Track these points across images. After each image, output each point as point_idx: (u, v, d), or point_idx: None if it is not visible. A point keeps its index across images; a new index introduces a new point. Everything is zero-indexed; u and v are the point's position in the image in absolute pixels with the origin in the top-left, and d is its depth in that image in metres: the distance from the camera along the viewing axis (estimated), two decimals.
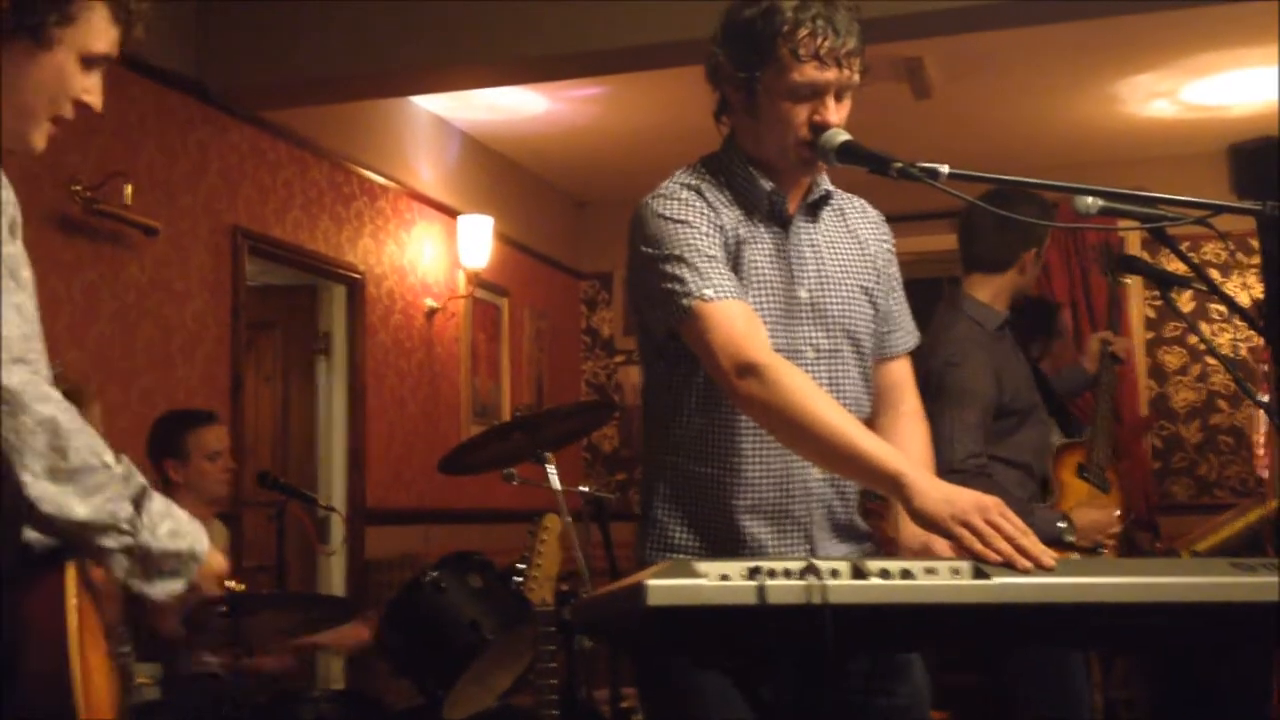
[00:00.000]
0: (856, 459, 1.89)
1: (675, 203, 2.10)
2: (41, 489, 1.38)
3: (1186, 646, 2.42)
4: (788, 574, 1.52)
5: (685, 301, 2.01)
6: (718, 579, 1.51)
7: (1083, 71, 5.52)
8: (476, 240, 6.14)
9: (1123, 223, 6.14)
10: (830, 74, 2.05)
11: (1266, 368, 5.60)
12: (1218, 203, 1.87)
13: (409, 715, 3.91)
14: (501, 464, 3.75)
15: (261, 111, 4.91)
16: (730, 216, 2.12)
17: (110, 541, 1.44)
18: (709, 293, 2.00)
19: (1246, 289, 6.30)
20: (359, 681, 4.92)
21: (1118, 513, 3.61)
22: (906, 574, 1.55)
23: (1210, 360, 6.50)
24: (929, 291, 8.59)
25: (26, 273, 1.51)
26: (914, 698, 2.16)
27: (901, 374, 2.29)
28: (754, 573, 1.52)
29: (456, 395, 6.20)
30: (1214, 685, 4.30)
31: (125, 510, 1.44)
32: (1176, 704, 4.71)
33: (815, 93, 2.06)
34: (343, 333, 5.49)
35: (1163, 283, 3.39)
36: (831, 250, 2.19)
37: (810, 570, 1.52)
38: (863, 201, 2.32)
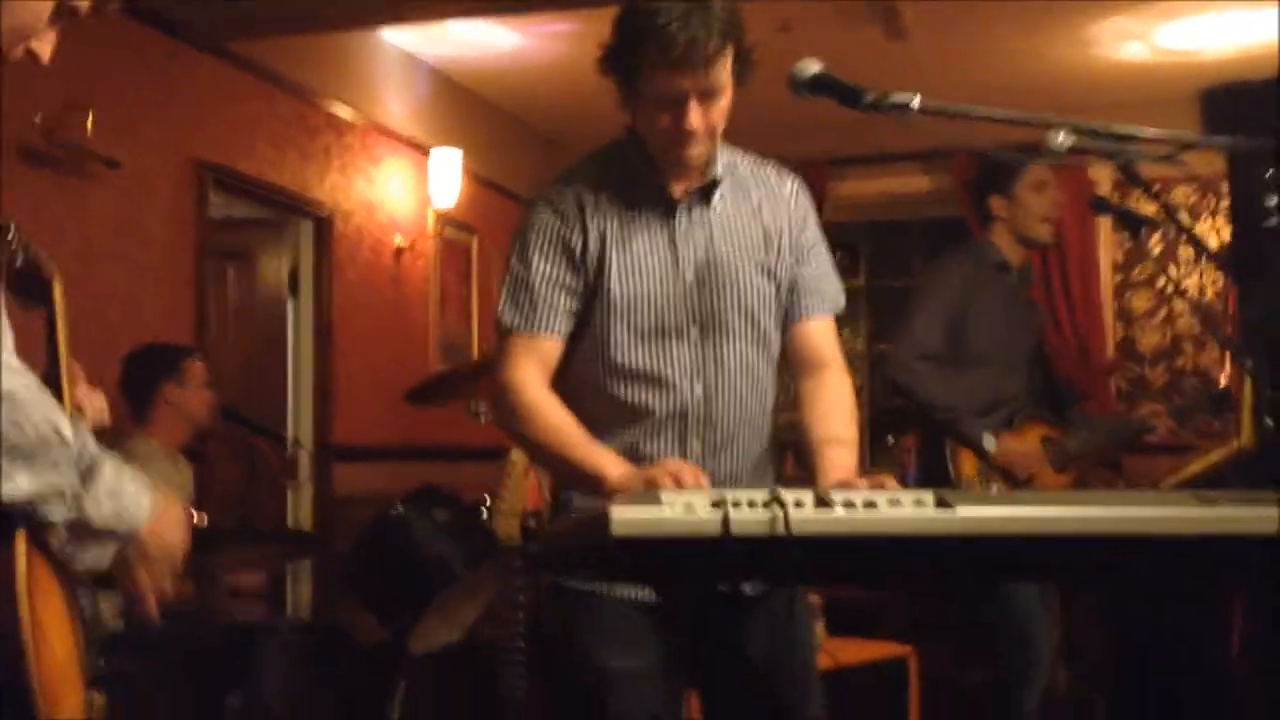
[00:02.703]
0: (572, 466, 2.11)
1: (541, 216, 2.23)
2: None
3: (1150, 581, 2.44)
4: (752, 504, 1.52)
5: (500, 318, 2.23)
6: (682, 509, 1.50)
7: (1055, 14, 5.49)
8: (446, 175, 6.08)
9: (1093, 163, 6.15)
10: (686, 81, 2.08)
11: (1231, 310, 5.64)
12: (1191, 136, 1.86)
13: (375, 648, 3.92)
14: (469, 396, 3.74)
15: (227, 43, 4.83)
16: (605, 207, 2.21)
17: (55, 514, 1.42)
18: (514, 321, 2.21)
19: (1215, 233, 6.32)
20: (326, 614, 4.93)
21: (1044, 464, 3.66)
22: (870, 505, 1.55)
23: (1177, 303, 6.53)
24: (900, 234, 8.62)
25: None
26: (808, 657, 2.33)
27: (820, 336, 2.33)
28: (718, 503, 1.51)
29: (425, 334, 6.17)
30: (1175, 621, 4.36)
31: (73, 485, 1.42)
32: (1137, 640, 4.78)
33: (675, 99, 2.10)
34: (310, 269, 5.45)
35: (1132, 223, 3.43)
36: (724, 231, 2.25)
37: (775, 501, 1.52)
38: (778, 171, 2.36)
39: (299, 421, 5.39)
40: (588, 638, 2.20)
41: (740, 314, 2.23)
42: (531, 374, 2.19)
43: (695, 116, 2.10)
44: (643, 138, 2.22)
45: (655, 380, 2.21)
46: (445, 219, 6.23)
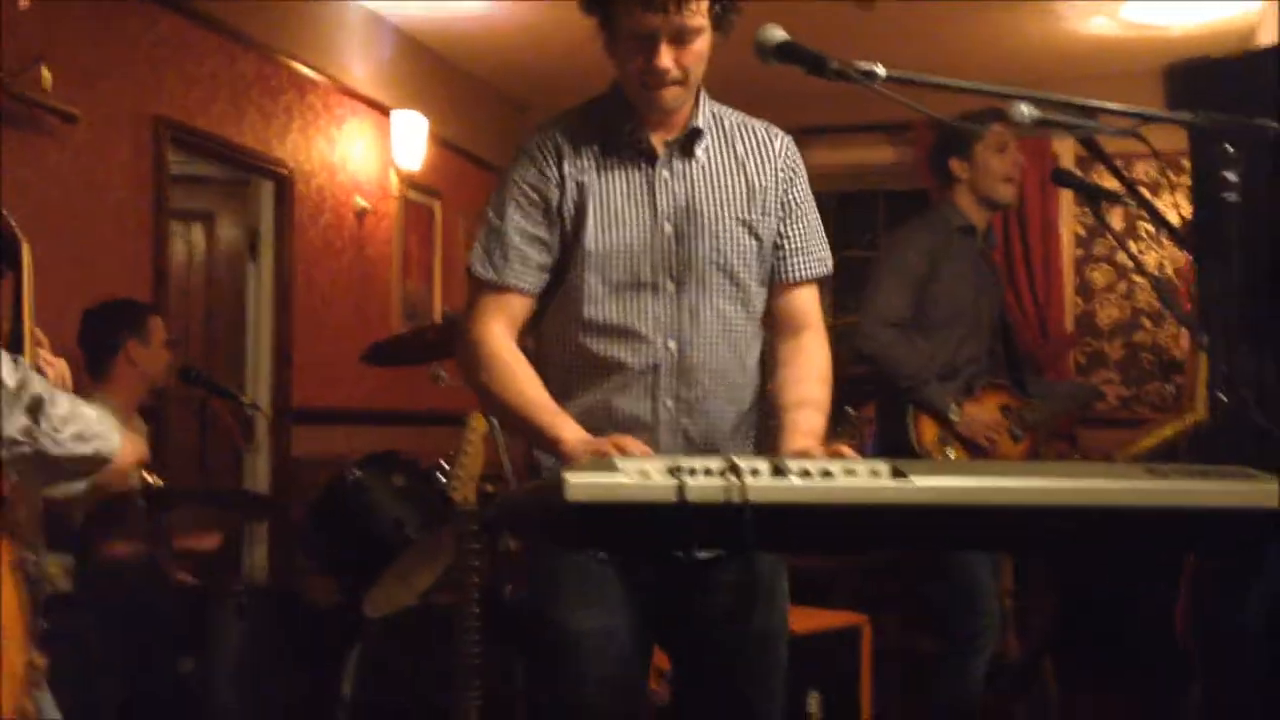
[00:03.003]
0: (531, 428, 2.12)
1: (519, 168, 2.21)
2: None
3: (1101, 551, 2.47)
4: (708, 472, 1.52)
5: (472, 268, 2.22)
6: (637, 475, 1.50)
7: None
8: (410, 139, 6.03)
9: (1056, 136, 6.16)
10: (657, 19, 2.06)
11: (1190, 286, 5.68)
12: (1152, 111, 1.87)
13: (330, 612, 3.91)
14: (429, 360, 3.72)
15: None
16: (584, 158, 2.19)
17: (2, 454, 1.40)
18: (485, 272, 2.19)
19: (1176, 209, 6.36)
20: (281, 577, 4.91)
21: (1009, 435, 3.69)
22: (826, 474, 1.56)
23: (1136, 278, 6.58)
24: (865, 204, 8.62)
25: None
26: (771, 625, 2.28)
27: (804, 300, 2.32)
28: (674, 470, 1.51)
29: (387, 297, 6.13)
30: (1120, 593, 4.42)
31: (17, 424, 1.40)
32: (1083, 610, 4.84)
33: (647, 37, 2.08)
34: (270, 229, 5.39)
35: (1094, 197, 3.44)
36: (706, 184, 2.22)
37: (731, 469, 1.52)
38: (766, 128, 2.33)
39: (257, 383, 5.35)
40: (550, 593, 2.19)
41: (719, 269, 2.21)
42: (498, 329, 2.18)
43: (666, 57, 2.08)
44: (627, 93, 2.19)
45: (628, 334, 2.18)
46: (409, 181, 6.19)
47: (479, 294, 2.21)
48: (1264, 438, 2.16)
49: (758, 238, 2.24)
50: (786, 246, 2.28)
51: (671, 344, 2.19)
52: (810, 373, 2.25)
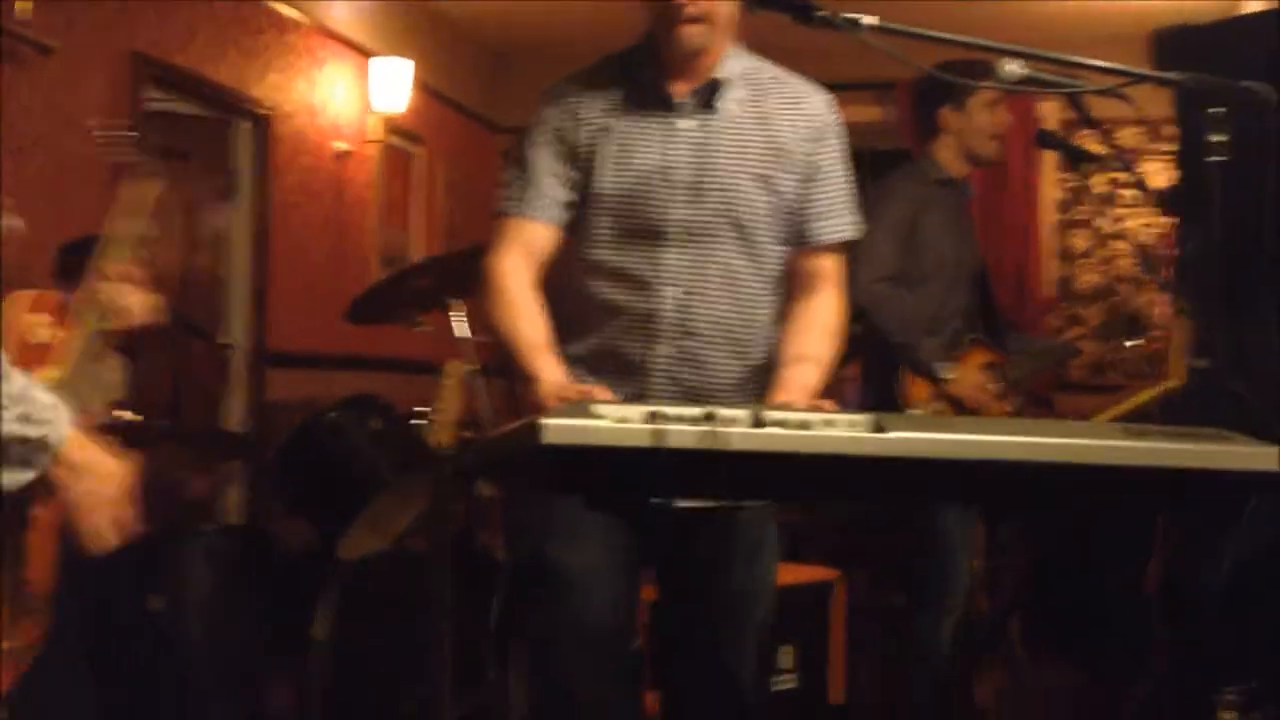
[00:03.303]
0: (517, 363, 2.12)
1: (544, 109, 2.25)
2: None
3: (1073, 509, 2.48)
4: (686, 419, 1.52)
5: (501, 204, 2.24)
6: (615, 421, 1.49)
7: None
8: (391, 84, 5.97)
9: (1041, 98, 6.13)
10: None
11: (1170, 251, 5.69)
12: (1140, 71, 1.86)
13: (304, 554, 3.90)
14: (409, 313, 3.69)
15: None
16: (607, 104, 2.21)
17: None
18: (507, 207, 2.22)
19: (1160, 175, 6.36)
20: (254, 518, 4.90)
21: (996, 396, 3.69)
22: (804, 425, 1.55)
23: (1116, 244, 6.59)
24: (851, 161, 8.47)
25: None
26: (750, 585, 2.28)
27: (823, 263, 2.30)
28: (652, 416, 1.51)
29: (365, 242, 6.09)
30: (1093, 552, 4.45)
31: None
32: (1056, 570, 4.88)
33: None
34: (249, 170, 5.34)
35: (1078, 160, 3.44)
36: (725, 137, 2.21)
37: (709, 417, 1.52)
38: (803, 85, 2.31)
39: (234, 325, 5.31)
40: (539, 532, 2.19)
41: (729, 224, 2.20)
42: (514, 261, 2.19)
43: None
44: (653, 39, 2.20)
45: (633, 280, 2.19)
46: (390, 126, 6.13)
47: (502, 226, 2.24)
48: (1240, 403, 2.17)
49: (777, 195, 2.22)
50: (811, 210, 2.26)
51: (675, 293, 2.19)
52: (813, 327, 2.25)
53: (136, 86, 4.59)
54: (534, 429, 1.46)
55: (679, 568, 2.27)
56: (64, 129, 4.28)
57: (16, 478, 1.44)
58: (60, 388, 1.67)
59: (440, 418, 2.92)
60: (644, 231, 2.18)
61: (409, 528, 3.66)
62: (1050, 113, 6.31)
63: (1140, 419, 4.19)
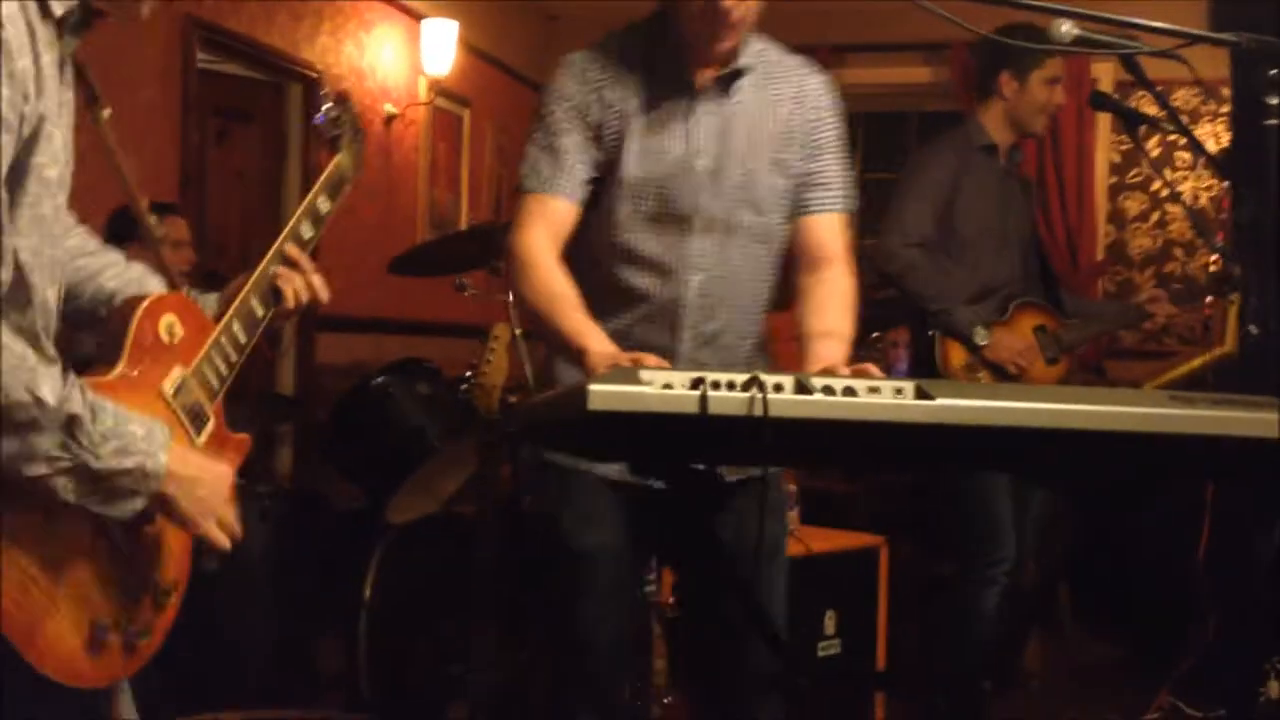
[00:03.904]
0: (559, 334, 2.10)
1: (565, 76, 2.23)
2: None
3: (1120, 478, 2.46)
4: (731, 386, 1.51)
5: (522, 181, 2.22)
6: (661, 386, 1.49)
7: None
8: (440, 46, 5.96)
9: (1095, 60, 6.05)
10: None
11: (1225, 215, 5.61)
12: (1196, 32, 1.83)
13: (353, 516, 3.95)
14: (454, 270, 3.71)
15: None
16: (628, 86, 2.20)
17: (39, 469, 1.42)
18: (532, 183, 2.20)
19: (1215, 138, 6.26)
20: (305, 480, 4.95)
21: (1046, 360, 3.66)
22: (850, 391, 1.55)
23: (1170, 208, 6.50)
24: (898, 125, 8.53)
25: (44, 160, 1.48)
26: (776, 534, 2.36)
27: (826, 231, 2.31)
28: (697, 382, 1.51)
29: (413, 205, 6.11)
30: (1142, 521, 4.41)
31: (55, 440, 1.42)
32: (1104, 539, 4.84)
33: None
34: (299, 133, 5.36)
35: (1132, 122, 3.38)
36: (743, 124, 2.23)
37: (754, 383, 1.51)
38: (803, 67, 2.32)
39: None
40: (558, 512, 2.24)
41: (749, 208, 2.23)
42: (540, 236, 2.19)
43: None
44: (673, 18, 2.19)
45: (655, 266, 2.21)
46: (438, 88, 6.13)
47: (524, 201, 2.23)
48: None
49: (789, 178, 2.26)
50: (812, 181, 2.29)
51: (697, 278, 2.22)
52: (833, 303, 2.26)
53: (189, 49, 4.61)
54: (580, 394, 1.46)
55: (711, 535, 2.29)
56: (116, 91, 4.30)
57: (127, 507, 1.51)
58: (185, 384, 1.72)
59: (487, 382, 2.94)
60: (667, 218, 2.20)
61: (457, 491, 3.70)
62: (1105, 73, 6.22)
63: (1192, 385, 4.14)
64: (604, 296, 2.21)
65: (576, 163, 2.20)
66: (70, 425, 1.43)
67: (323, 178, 2.05)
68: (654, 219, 2.20)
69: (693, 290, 2.21)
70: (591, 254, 2.23)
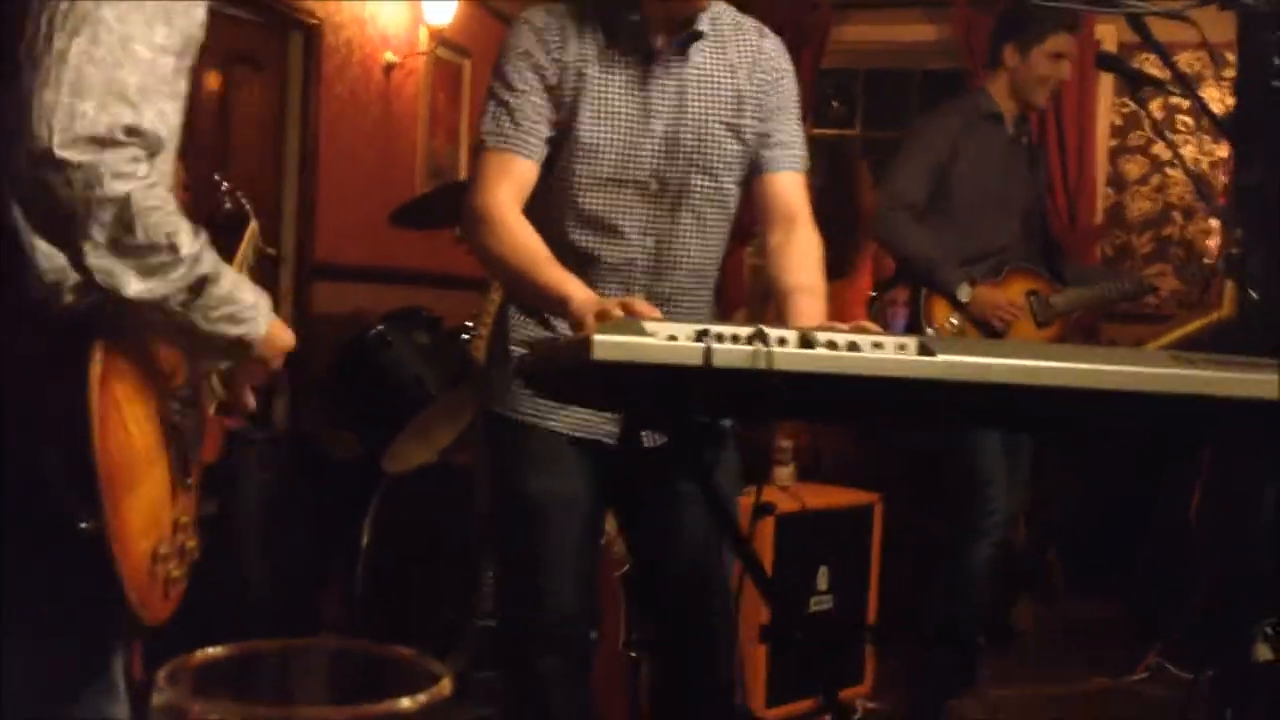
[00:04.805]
0: (537, 287, 2.08)
1: (525, 34, 2.22)
2: (99, 261, 1.37)
3: (1118, 436, 2.47)
4: (735, 339, 1.52)
5: (484, 139, 2.21)
6: (665, 338, 1.50)
7: None
8: None
9: (1100, 21, 6.02)
10: None
11: (1226, 179, 5.61)
12: None
13: (349, 465, 3.96)
14: (455, 222, 3.70)
15: None
16: (586, 47, 2.20)
17: (157, 317, 1.46)
18: (494, 141, 2.19)
19: (1220, 102, 6.24)
20: (303, 429, 4.96)
21: (1023, 316, 3.69)
22: (853, 346, 1.55)
23: (1170, 171, 6.48)
24: (899, 85, 8.48)
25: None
26: (729, 489, 2.38)
27: (792, 190, 2.33)
28: (701, 335, 1.51)
29: (412, 155, 6.09)
30: (1136, 481, 4.44)
31: (179, 296, 1.44)
32: (1097, 499, 4.87)
33: None
34: (298, 80, 5.33)
35: (1136, 82, 3.39)
36: (699, 86, 2.24)
37: (758, 336, 1.52)
38: (758, 29, 2.33)
39: (282, 237, 5.34)
40: (516, 462, 2.28)
41: (702, 172, 2.25)
42: (505, 194, 2.18)
43: None
44: None
45: (609, 228, 2.23)
46: (439, 38, 6.09)
47: (486, 161, 2.22)
48: None
49: (742, 142, 2.28)
50: (771, 141, 2.30)
51: (649, 241, 2.25)
52: (809, 260, 2.28)
53: None
54: (583, 345, 1.47)
55: (671, 489, 2.31)
56: None
57: (217, 359, 1.64)
58: None
59: (486, 332, 2.94)
60: (622, 181, 2.21)
61: (454, 442, 3.71)
62: (1109, 34, 6.19)
63: (1190, 348, 4.16)
64: (557, 256, 2.19)
65: (536, 123, 2.20)
66: (198, 284, 1.45)
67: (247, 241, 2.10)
68: (609, 182, 2.21)
69: (645, 253, 2.24)
70: (545, 213, 2.24)
